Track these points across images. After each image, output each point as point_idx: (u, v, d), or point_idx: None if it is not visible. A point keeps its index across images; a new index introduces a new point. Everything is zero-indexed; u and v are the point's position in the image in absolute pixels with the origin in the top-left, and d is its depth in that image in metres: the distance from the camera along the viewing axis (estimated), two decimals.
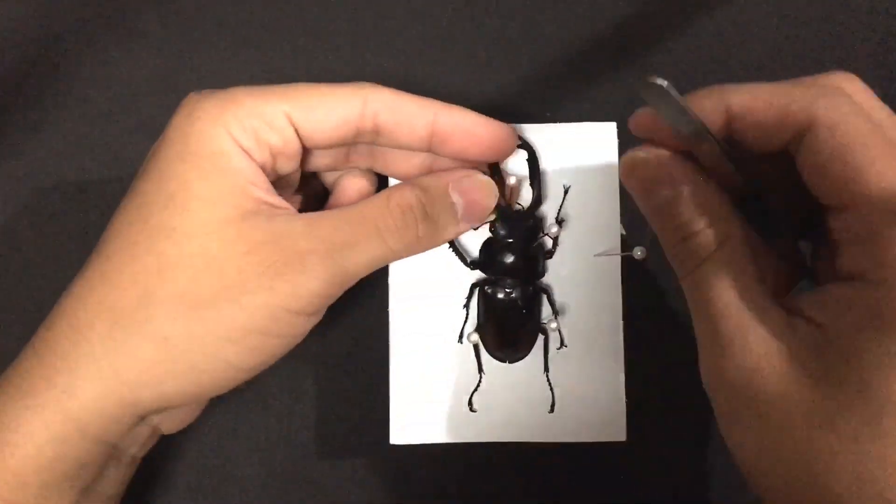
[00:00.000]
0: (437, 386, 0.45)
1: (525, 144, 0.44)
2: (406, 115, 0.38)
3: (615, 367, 0.45)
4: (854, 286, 0.30)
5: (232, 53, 0.51)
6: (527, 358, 0.45)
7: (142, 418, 0.37)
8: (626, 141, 0.46)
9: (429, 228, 0.39)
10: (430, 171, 0.42)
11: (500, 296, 0.44)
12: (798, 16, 0.49)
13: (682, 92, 0.31)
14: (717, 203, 0.33)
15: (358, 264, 0.37)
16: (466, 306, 0.45)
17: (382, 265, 0.38)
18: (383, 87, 0.38)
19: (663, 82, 0.29)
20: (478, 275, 0.45)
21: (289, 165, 0.39)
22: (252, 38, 0.51)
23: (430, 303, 0.45)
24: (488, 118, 0.40)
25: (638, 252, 0.43)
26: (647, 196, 0.35)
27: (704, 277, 0.33)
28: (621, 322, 0.45)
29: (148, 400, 0.35)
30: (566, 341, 0.45)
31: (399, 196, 0.38)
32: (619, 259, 0.45)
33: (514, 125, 0.44)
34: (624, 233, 0.45)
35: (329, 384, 0.47)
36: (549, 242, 0.45)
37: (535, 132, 0.45)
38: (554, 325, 0.44)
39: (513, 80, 0.50)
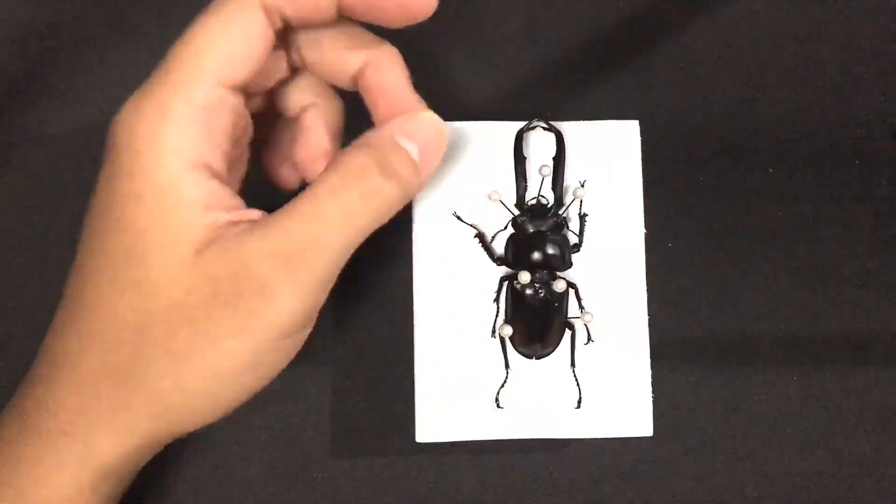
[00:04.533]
0: (463, 383, 0.45)
1: (552, 127, 0.45)
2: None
3: (641, 362, 0.45)
4: None
5: None
6: (552, 353, 0.45)
7: (162, 447, 0.37)
8: (648, 139, 0.47)
9: (393, 186, 0.35)
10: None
11: (529, 291, 0.44)
12: (798, 15, 0.50)
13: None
14: None
15: (328, 263, 0.34)
16: (496, 300, 0.45)
17: (355, 248, 0.35)
18: None
19: None
20: (504, 269, 0.45)
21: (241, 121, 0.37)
22: None
23: (456, 298, 0.45)
24: None
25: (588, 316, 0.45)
26: None
27: None
28: (646, 316, 0.45)
29: (163, 437, 0.36)
30: (592, 336, 0.45)
31: (349, 162, 0.34)
32: (643, 254, 0.46)
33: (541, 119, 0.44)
34: (646, 231, 0.46)
35: (348, 381, 0.46)
36: (573, 238, 0.45)
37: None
38: (588, 317, 0.44)
39: (514, 80, 0.50)
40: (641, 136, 0.46)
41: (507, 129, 0.46)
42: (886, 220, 0.48)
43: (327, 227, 0.33)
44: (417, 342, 0.45)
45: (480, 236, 0.45)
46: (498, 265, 0.45)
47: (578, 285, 0.45)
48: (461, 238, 0.45)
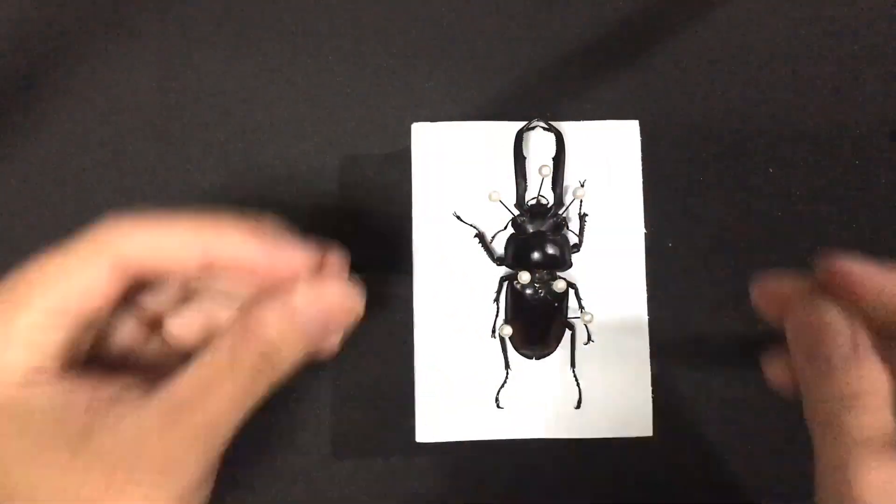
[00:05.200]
0: (463, 383, 0.45)
1: (552, 128, 0.45)
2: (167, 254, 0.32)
3: (641, 363, 0.45)
4: None
5: (232, 53, 0.51)
6: (553, 353, 0.45)
7: None
8: (648, 139, 0.47)
9: (282, 365, 0.33)
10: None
11: (529, 291, 0.44)
12: (798, 15, 0.50)
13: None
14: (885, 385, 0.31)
15: (226, 430, 0.32)
16: (496, 300, 0.45)
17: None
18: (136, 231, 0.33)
19: None
20: (505, 269, 0.45)
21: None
22: (252, 38, 0.51)
23: (456, 298, 0.45)
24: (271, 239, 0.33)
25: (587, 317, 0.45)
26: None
27: (853, 461, 0.30)
28: (646, 317, 0.45)
29: None
30: (592, 336, 0.45)
31: (237, 355, 0.32)
32: (642, 254, 0.45)
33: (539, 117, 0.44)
34: (646, 231, 0.46)
35: (348, 382, 0.46)
36: (573, 238, 0.45)
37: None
38: (588, 317, 0.44)
39: (514, 80, 0.50)
40: (641, 136, 0.46)
41: (507, 129, 0.46)
42: (886, 220, 0.48)
43: (223, 399, 0.32)
44: (417, 342, 0.45)
45: (480, 236, 0.45)
46: (498, 265, 0.45)
47: (578, 285, 0.45)
48: (461, 238, 0.45)
